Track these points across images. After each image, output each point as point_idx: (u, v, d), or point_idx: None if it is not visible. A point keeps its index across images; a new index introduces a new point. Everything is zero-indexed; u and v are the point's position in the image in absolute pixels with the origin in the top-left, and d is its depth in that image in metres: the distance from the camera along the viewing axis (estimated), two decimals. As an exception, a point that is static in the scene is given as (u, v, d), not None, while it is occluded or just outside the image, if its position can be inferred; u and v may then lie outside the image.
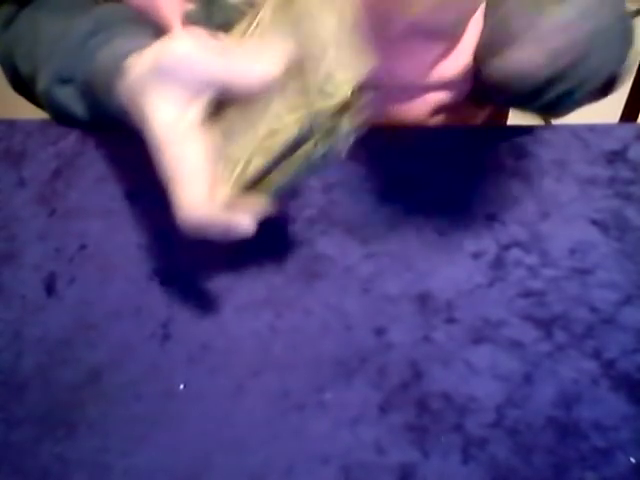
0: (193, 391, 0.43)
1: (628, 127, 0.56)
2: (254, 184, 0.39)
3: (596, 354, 0.44)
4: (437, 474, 0.40)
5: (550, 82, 0.46)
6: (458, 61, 0.49)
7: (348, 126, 0.38)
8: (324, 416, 0.42)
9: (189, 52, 0.37)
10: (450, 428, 0.41)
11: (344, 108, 0.37)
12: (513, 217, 0.50)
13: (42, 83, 0.53)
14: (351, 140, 0.39)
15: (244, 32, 0.40)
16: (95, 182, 0.54)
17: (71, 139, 0.56)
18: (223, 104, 0.39)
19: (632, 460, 0.40)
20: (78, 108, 0.53)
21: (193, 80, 0.37)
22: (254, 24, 0.39)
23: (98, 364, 0.45)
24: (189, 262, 0.49)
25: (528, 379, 0.43)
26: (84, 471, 0.41)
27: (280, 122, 0.38)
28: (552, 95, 0.47)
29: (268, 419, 0.42)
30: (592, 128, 0.55)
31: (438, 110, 0.50)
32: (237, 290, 0.47)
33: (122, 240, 0.50)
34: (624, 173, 0.52)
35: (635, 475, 0.39)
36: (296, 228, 0.50)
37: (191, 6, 0.50)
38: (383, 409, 0.42)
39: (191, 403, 0.43)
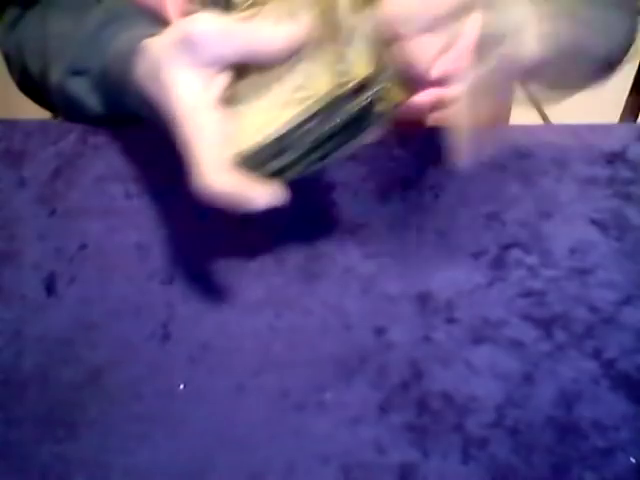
0: (193, 391, 0.43)
1: (628, 127, 0.56)
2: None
3: (596, 354, 0.44)
4: (437, 474, 0.40)
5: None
6: (458, 56, 0.49)
7: (380, 110, 0.38)
8: (324, 416, 0.42)
9: (212, 27, 0.39)
10: (450, 428, 0.41)
11: (373, 90, 0.37)
12: (513, 217, 0.50)
13: (55, 76, 0.53)
14: (381, 126, 0.38)
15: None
16: (95, 182, 0.54)
17: (71, 139, 0.56)
18: (245, 70, 0.40)
19: (632, 460, 0.40)
20: (91, 100, 0.53)
21: (219, 52, 0.39)
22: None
23: (98, 364, 0.45)
24: (189, 262, 0.49)
25: (528, 379, 0.43)
26: (84, 471, 0.41)
27: (308, 80, 0.38)
28: None
29: (268, 419, 0.42)
30: (592, 128, 0.55)
31: (438, 105, 0.50)
32: (237, 290, 0.47)
33: (122, 240, 0.50)
34: (624, 173, 0.52)
35: (635, 475, 0.39)
36: (296, 228, 0.50)
37: (194, 7, 0.51)
38: (383, 409, 0.42)
39: (191, 403, 0.43)
